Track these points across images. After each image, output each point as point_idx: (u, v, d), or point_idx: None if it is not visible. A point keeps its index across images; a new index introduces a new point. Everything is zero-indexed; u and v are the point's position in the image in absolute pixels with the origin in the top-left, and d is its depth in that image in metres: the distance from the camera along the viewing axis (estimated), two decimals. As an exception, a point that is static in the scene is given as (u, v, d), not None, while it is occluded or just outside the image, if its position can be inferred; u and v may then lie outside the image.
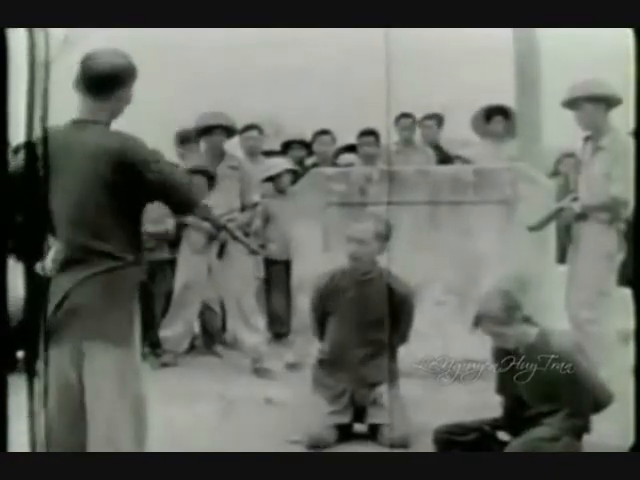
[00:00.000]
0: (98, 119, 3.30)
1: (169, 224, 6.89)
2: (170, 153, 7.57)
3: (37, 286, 3.39)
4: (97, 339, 3.24)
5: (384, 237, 4.82)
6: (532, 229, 5.27)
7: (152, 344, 6.58)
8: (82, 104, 3.34)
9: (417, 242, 5.96)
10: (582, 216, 4.99)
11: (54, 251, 3.35)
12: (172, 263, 6.98)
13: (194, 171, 6.88)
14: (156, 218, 6.87)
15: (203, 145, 6.46)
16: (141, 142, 3.32)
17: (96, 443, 3.24)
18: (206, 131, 6.34)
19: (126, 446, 3.25)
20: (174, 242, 6.96)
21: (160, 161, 3.30)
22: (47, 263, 3.35)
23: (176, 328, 6.47)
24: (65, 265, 3.30)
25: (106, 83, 3.30)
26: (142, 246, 3.32)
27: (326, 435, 4.63)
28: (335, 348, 4.86)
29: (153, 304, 6.62)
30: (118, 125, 3.38)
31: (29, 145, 3.38)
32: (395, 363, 4.92)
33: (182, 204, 3.43)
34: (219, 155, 6.37)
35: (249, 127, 7.58)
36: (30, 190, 3.45)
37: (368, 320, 4.82)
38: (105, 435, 3.23)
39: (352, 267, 4.83)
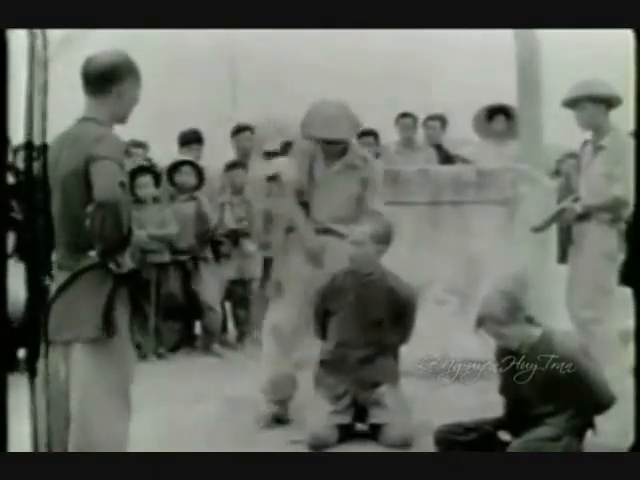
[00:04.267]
0: (98, 118, 3.30)
1: (173, 227, 6.91)
2: (170, 154, 7.60)
3: (38, 286, 3.40)
4: (78, 338, 3.24)
5: (382, 239, 4.80)
6: (536, 230, 5.27)
7: (146, 344, 6.61)
8: (85, 104, 3.36)
9: (418, 242, 5.96)
10: (583, 216, 4.98)
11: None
12: (174, 265, 7.01)
13: (138, 170, 6.93)
14: (160, 221, 6.90)
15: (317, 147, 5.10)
16: (111, 139, 3.23)
17: (75, 442, 3.24)
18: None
19: (105, 447, 3.24)
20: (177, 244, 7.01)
21: (106, 161, 3.15)
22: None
23: None
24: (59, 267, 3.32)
25: (101, 79, 3.30)
26: (123, 246, 3.26)
27: (327, 435, 4.63)
28: (337, 348, 4.86)
29: (148, 305, 6.63)
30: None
31: (29, 147, 3.39)
32: (397, 363, 4.92)
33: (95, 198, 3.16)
34: (340, 154, 5.09)
35: (241, 128, 7.60)
36: (30, 191, 3.46)
37: (369, 321, 4.81)
38: (84, 435, 3.23)
39: (352, 269, 4.83)
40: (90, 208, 3.12)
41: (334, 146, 4.99)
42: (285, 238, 5.16)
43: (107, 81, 3.31)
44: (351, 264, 4.82)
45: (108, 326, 3.21)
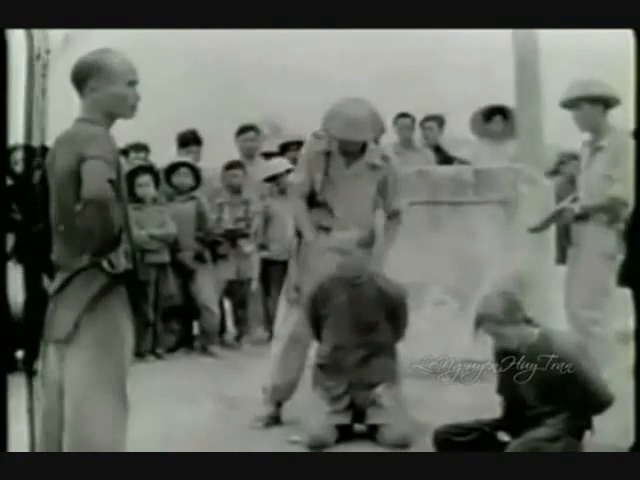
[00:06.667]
0: (91, 118, 3.30)
1: (171, 227, 6.92)
2: (170, 154, 7.60)
3: (36, 287, 3.40)
4: (73, 340, 3.24)
5: (369, 243, 4.80)
6: (534, 231, 5.26)
7: (144, 344, 6.60)
8: (79, 105, 3.37)
9: (417, 242, 5.95)
10: (582, 217, 4.98)
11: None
12: (173, 266, 7.01)
13: (139, 169, 6.94)
14: (160, 221, 6.91)
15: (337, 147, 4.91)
16: (102, 139, 3.23)
17: (71, 442, 3.23)
18: None
19: (102, 448, 3.23)
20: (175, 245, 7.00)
21: (96, 159, 3.14)
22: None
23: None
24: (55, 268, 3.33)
25: (74, 81, 3.32)
26: (114, 245, 3.25)
27: (326, 435, 4.63)
28: (332, 351, 4.85)
29: (146, 305, 6.62)
30: (116, 124, 3.37)
31: (29, 149, 3.40)
32: (395, 362, 4.91)
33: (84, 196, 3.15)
34: (358, 153, 4.89)
35: (246, 128, 7.60)
36: (30, 192, 3.46)
37: (362, 323, 4.80)
38: (80, 435, 3.22)
39: (340, 275, 4.82)
40: (79, 206, 3.12)
41: (353, 145, 4.81)
42: (297, 242, 5.00)
43: (78, 82, 3.32)
44: (338, 272, 4.80)
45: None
